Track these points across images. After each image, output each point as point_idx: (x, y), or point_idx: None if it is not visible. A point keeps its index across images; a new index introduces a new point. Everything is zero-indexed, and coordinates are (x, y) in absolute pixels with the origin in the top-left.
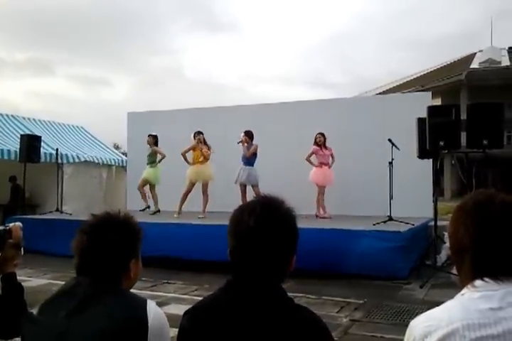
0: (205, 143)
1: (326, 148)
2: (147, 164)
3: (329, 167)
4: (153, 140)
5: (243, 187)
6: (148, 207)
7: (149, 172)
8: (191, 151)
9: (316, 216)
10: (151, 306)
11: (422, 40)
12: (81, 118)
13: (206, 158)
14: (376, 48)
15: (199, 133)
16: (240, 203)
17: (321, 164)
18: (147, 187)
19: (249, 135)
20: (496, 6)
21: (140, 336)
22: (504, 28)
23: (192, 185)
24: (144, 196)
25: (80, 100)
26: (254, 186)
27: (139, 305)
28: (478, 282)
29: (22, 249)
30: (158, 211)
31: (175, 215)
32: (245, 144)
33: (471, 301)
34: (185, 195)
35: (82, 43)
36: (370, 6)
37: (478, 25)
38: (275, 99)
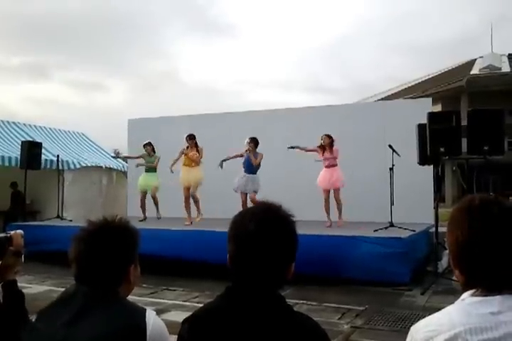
0: (196, 146)
1: (330, 150)
2: (148, 171)
3: (327, 167)
4: (152, 147)
5: (244, 195)
6: (160, 217)
7: (156, 179)
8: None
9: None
10: (151, 315)
11: (421, 45)
12: (78, 124)
13: (194, 161)
14: (375, 53)
15: (188, 138)
16: (240, 209)
17: (324, 167)
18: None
19: (254, 142)
20: (495, 12)
21: None
22: (504, 34)
23: (186, 189)
24: (158, 205)
25: (76, 105)
26: (251, 192)
27: (138, 314)
28: (477, 287)
29: (22, 257)
30: (160, 218)
31: (186, 223)
32: (250, 150)
33: (471, 306)
34: (186, 199)
35: (77, 48)
36: (369, 11)
37: (477, 31)
38: (273, 104)
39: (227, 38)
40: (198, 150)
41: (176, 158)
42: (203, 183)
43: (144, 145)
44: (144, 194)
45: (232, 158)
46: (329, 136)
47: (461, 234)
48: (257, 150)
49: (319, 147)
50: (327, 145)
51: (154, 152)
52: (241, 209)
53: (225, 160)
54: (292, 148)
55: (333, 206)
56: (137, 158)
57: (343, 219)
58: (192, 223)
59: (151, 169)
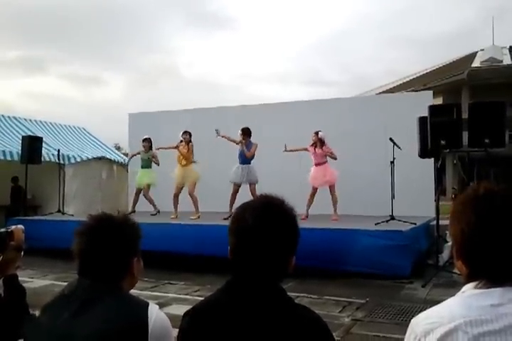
0: (188, 143)
1: (321, 147)
2: (144, 167)
3: (317, 165)
4: (150, 144)
5: (237, 187)
6: (159, 211)
7: (151, 176)
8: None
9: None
10: (153, 310)
11: (420, 38)
12: (76, 118)
13: (186, 159)
14: (374, 46)
15: (184, 133)
16: (236, 204)
17: (314, 165)
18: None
19: (245, 132)
20: (495, 4)
21: (140, 339)
22: (504, 26)
23: (178, 188)
24: (152, 201)
25: (74, 100)
26: (252, 184)
27: (140, 308)
28: (478, 279)
29: (22, 252)
30: (159, 212)
31: (172, 216)
32: (243, 142)
33: (472, 298)
34: (175, 196)
35: (74, 42)
36: (368, 3)
37: (477, 23)
38: (272, 98)
39: (227, 31)
40: (188, 147)
41: (169, 147)
42: (205, 177)
43: (143, 141)
44: (137, 190)
45: (228, 139)
46: (317, 133)
47: (466, 224)
48: (253, 141)
49: (312, 145)
50: (317, 142)
51: (151, 149)
52: (236, 201)
53: (220, 135)
54: (286, 151)
55: (323, 202)
56: (136, 154)
57: (337, 214)
58: (177, 217)
59: (146, 165)
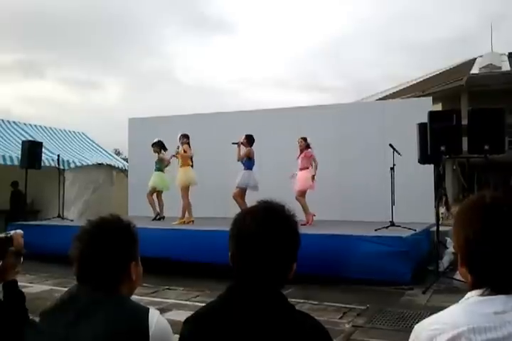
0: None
1: (304, 154)
2: (154, 170)
3: (300, 170)
4: (158, 148)
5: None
6: (158, 214)
7: (156, 179)
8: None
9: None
10: (154, 315)
11: (419, 43)
12: (73, 122)
13: (182, 160)
14: (372, 52)
15: (180, 137)
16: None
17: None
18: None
19: (248, 139)
20: (494, 11)
21: None
22: (503, 33)
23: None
24: (152, 204)
25: (71, 104)
26: (237, 187)
27: (141, 314)
28: (483, 287)
29: (22, 257)
30: (163, 218)
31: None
32: (241, 147)
33: (476, 305)
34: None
35: (72, 46)
36: (367, 9)
37: (477, 29)
38: (271, 103)
39: (225, 36)
40: (184, 148)
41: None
42: (203, 182)
43: (151, 145)
44: (151, 191)
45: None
46: (304, 139)
47: (472, 232)
48: (254, 147)
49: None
50: (302, 148)
51: (160, 152)
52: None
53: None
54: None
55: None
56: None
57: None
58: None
59: (156, 168)
